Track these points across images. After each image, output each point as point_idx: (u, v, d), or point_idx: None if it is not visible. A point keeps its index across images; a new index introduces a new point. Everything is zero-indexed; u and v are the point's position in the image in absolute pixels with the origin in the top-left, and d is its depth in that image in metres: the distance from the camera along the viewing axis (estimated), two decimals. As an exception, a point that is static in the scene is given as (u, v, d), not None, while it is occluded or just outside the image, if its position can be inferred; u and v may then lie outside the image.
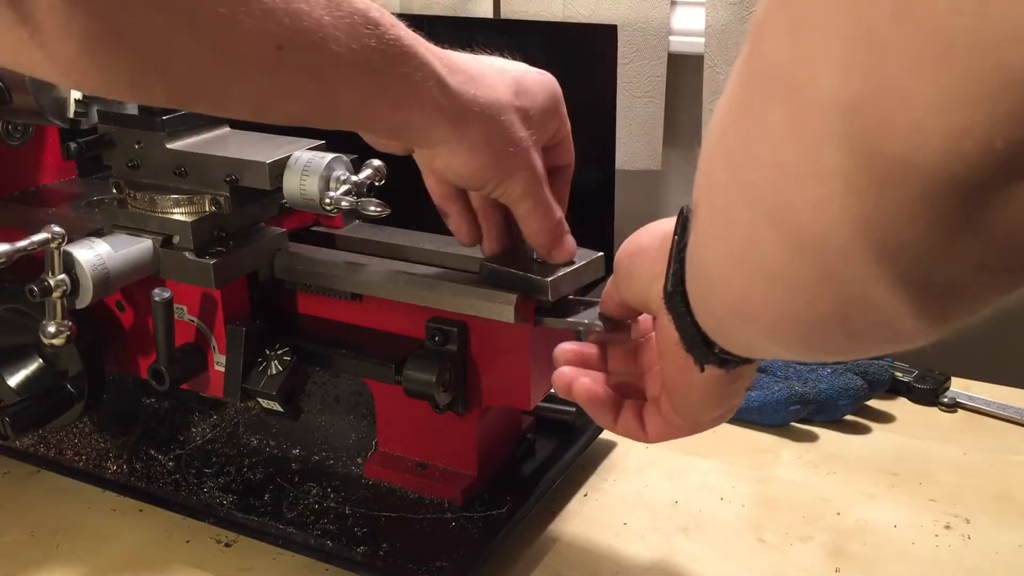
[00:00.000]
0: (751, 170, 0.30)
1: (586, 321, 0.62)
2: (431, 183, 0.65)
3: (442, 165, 0.59)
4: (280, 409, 0.69)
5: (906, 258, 0.26)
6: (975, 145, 0.22)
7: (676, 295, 0.45)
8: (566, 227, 0.64)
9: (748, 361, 0.46)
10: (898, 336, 0.30)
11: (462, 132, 0.57)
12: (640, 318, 0.58)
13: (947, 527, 0.73)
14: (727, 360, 0.46)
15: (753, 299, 0.34)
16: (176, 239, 0.69)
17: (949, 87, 0.22)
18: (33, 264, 0.65)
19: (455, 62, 0.57)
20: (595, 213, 0.93)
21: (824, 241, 0.27)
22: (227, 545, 0.72)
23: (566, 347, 0.60)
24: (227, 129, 0.74)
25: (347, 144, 0.70)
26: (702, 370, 0.47)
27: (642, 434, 0.57)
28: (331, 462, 0.78)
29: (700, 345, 0.45)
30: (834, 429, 0.85)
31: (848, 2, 0.24)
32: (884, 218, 0.25)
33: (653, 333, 0.57)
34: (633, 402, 0.57)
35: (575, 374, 0.58)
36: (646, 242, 0.54)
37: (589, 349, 0.60)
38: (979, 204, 0.24)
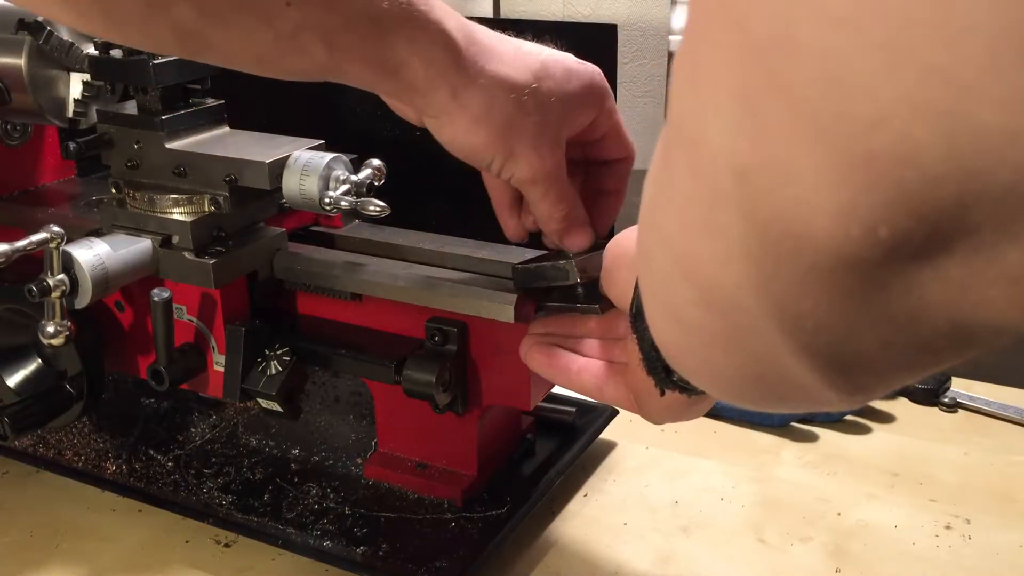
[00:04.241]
0: (664, 214, 0.28)
1: (582, 305, 0.61)
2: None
3: (446, 137, 0.57)
4: (279, 409, 0.69)
5: (807, 329, 0.25)
6: (860, 230, 0.21)
7: (640, 318, 0.45)
8: (580, 219, 0.62)
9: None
10: (817, 400, 0.29)
11: (463, 102, 0.55)
12: None
13: (948, 527, 0.73)
14: (687, 388, 0.46)
15: (677, 344, 0.32)
16: (175, 239, 0.69)
17: (825, 167, 0.21)
18: (32, 264, 0.65)
19: (476, 34, 0.56)
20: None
21: (730, 298, 0.26)
22: (226, 545, 0.72)
23: (540, 322, 0.63)
24: (226, 129, 0.74)
25: (347, 144, 0.70)
26: (662, 394, 0.47)
27: (599, 394, 0.58)
28: (331, 462, 0.78)
29: (660, 371, 0.46)
30: (834, 429, 0.85)
31: (734, 64, 0.23)
32: (780, 286, 0.24)
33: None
34: (592, 362, 0.58)
35: (532, 342, 0.61)
36: (627, 246, 0.54)
37: (562, 325, 0.62)
38: (877, 285, 0.22)
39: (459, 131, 0.56)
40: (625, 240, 0.55)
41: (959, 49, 0.18)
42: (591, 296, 0.61)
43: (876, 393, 0.29)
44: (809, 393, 0.28)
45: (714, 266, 0.26)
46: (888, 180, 0.20)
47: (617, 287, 0.54)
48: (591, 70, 0.61)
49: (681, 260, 0.28)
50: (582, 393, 0.60)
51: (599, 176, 0.65)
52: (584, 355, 0.59)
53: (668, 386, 0.47)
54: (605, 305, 0.59)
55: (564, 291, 0.63)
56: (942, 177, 0.19)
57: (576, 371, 0.59)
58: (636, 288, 0.45)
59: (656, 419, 0.55)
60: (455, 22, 0.55)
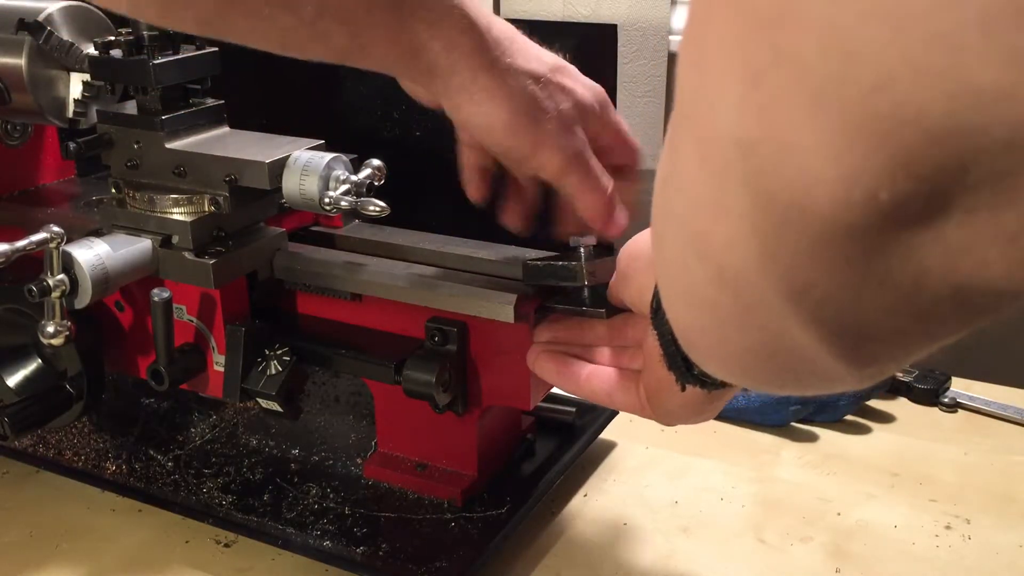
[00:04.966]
0: (674, 197, 0.29)
1: (589, 308, 0.61)
2: (464, 151, 0.63)
3: (464, 115, 0.56)
4: (279, 409, 0.69)
5: (813, 299, 0.25)
6: (862, 196, 0.22)
7: (661, 313, 0.45)
8: (617, 200, 0.60)
9: (727, 385, 0.46)
10: (830, 377, 0.29)
11: (484, 84, 0.55)
12: None
13: (947, 527, 0.73)
14: (706, 382, 0.46)
15: (693, 326, 0.33)
16: (175, 239, 0.69)
17: (829, 134, 0.22)
18: (32, 264, 0.65)
19: (496, 23, 0.56)
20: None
21: (740, 274, 0.27)
22: (226, 545, 0.72)
23: (545, 328, 0.63)
24: (226, 129, 0.74)
25: (347, 144, 0.70)
26: (683, 388, 0.48)
27: (609, 400, 0.58)
28: (331, 462, 0.78)
29: (680, 365, 0.46)
30: (834, 429, 0.85)
31: (738, 39, 0.23)
32: (786, 258, 0.25)
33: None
34: (601, 368, 0.58)
35: (540, 349, 0.61)
36: (642, 248, 0.54)
37: (567, 331, 0.62)
38: (879, 252, 0.23)
39: (478, 112, 0.55)
40: (640, 242, 0.55)
41: (957, 13, 0.19)
42: (597, 300, 0.61)
43: (887, 366, 0.29)
44: (820, 368, 0.28)
45: (723, 242, 0.26)
46: (889, 143, 0.21)
47: (633, 287, 0.54)
48: (593, 83, 0.61)
49: (692, 240, 0.28)
50: (592, 400, 0.60)
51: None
52: (593, 362, 0.59)
53: (689, 380, 0.47)
54: (611, 311, 0.59)
55: (570, 293, 0.63)
56: (942, 136, 0.20)
57: (585, 377, 0.59)
58: (657, 283, 0.45)
59: (671, 418, 0.55)
60: (477, 9, 0.55)
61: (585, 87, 0.60)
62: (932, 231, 0.22)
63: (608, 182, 0.60)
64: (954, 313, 0.25)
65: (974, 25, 0.19)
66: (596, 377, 0.58)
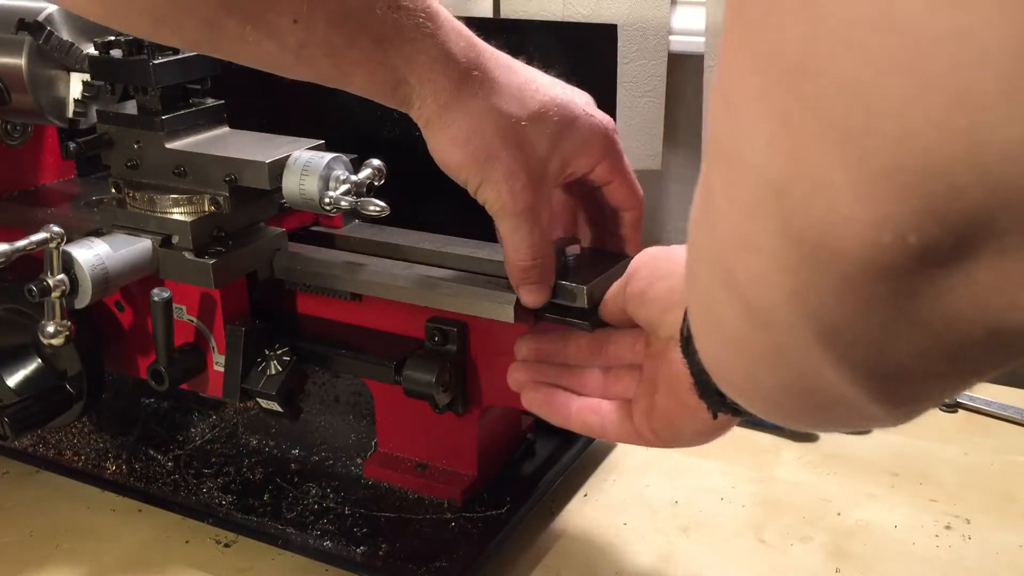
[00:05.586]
0: (707, 235, 0.29)
1: (574, 320, 0.61)
2: None
3: (430, 148, 0.58)
4: (279, 409, 0.69)
5: (844, 340, 0.25)
6: (891, 238, 0.22)
7: (692, 341, 0.45)
8: (540, 276, 0.60)
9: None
10: (864, 416, 0.29)
11: (447, 121, 0.56)
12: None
13: (947, 527, 0.73)
14: (739, 411, 0.46)
15: (722, 362, 0.33)
16: (175, 239, 0.69)
17: (857, 178, 0.22)
18: (32, 264, 0.65)
19: (483, 61, 0.56)
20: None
21: (771, 312, 0.27)
22: (226, 545, 0.72)
23: (526, 341, 0.62)
24: (226, 129, 0.74)
25: (347, 144, 0.70)
26: (715, 417, 0.47)
27: (602, 432, 0.58)
28: (331, 462, 0.78)
29: (713, 394, 0.46)
30: (834, 429, 0.85)
31: (767, 88, 0.23)
32: (816, 298, 0.25)
33: (619, 328, 0.57)
34: (591, 401, 0.58)
35: (526, 378, 0.60)
36: (666, 268, 0.53)
37: (549, 344, 0.61)
38: (910, 293, 0.23)
39: (438, 147, 0.57)
40: (661, 262, 0.54)
41: (979, 73, 0.19)
42: (585, 313, 0.60)
43: (920, 406, 0.29)
44: (853, 408, 0.28)
45: (754, 281, 0.26)
46: (916, 190, 0.21)
47: (653, 308, 0.54)
48: (599, 123, 0.60)
49: (724, 277, 0.28)
50: (582, 432, 0.59)
51: (613, 221, 0.65)
52: (582, 392, 0.59)
53: (722, 409, 0.46)
54: (596, 323, 0.59)
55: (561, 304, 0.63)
56: (967, 186, 0.20)
57: (576, 411, 0.58)
58: (687, 313, 0.44)
59: (680, 443, 0.55)
60: (462, 47, 0.56)
61: (577, 131, 0.59)
62: (962, 273, 0.22)
63: (532, 256, 0.59)
64: (987, 354, 0.25)
65: (997, 84, 0.19)
66: (587, 411, 0.58)
